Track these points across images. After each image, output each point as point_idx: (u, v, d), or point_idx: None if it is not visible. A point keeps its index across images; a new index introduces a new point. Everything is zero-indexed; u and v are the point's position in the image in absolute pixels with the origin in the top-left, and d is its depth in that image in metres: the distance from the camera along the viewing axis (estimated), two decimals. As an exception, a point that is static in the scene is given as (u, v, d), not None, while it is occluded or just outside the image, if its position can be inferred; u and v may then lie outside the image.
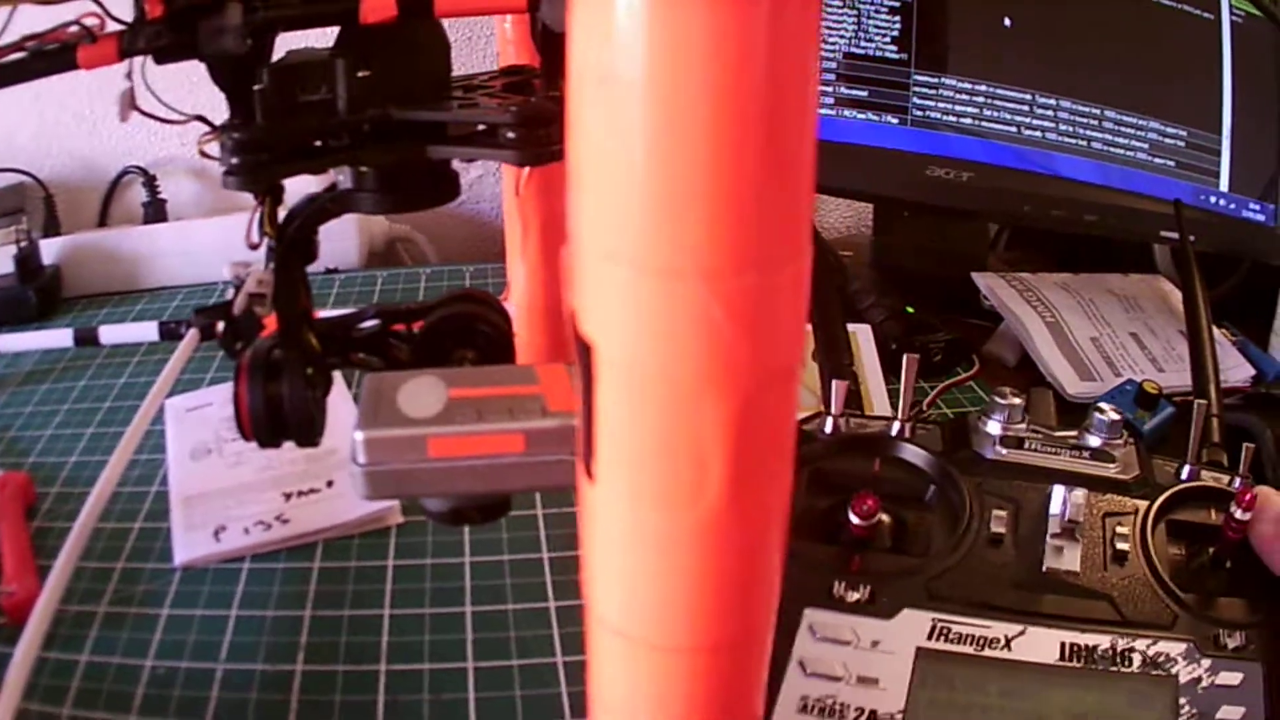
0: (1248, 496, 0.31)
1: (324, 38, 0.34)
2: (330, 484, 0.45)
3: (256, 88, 0.33)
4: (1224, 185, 0.63)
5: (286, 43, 0.34)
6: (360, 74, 0.33)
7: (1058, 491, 0.33)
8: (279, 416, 0.34)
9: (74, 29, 0.34)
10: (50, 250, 0.66)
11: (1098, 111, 0.61)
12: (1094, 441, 0.35)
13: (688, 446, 0.18)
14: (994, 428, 0.35)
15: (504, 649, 0.37)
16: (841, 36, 0.60)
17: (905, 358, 0.36)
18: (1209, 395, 0.46)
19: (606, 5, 0.15)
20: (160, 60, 0.34)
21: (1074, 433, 0.36)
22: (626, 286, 0.17)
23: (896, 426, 0.36)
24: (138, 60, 0.35)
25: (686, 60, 0.15)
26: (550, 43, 0.32)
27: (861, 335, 0.56)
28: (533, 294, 0.48)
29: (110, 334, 0.58)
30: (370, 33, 0.33)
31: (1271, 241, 0.62)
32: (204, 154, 0.36)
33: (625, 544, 0.20)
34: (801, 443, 0.26)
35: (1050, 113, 0.60)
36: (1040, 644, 0.30)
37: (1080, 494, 0.32)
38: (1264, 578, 0.31)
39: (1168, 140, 0.62)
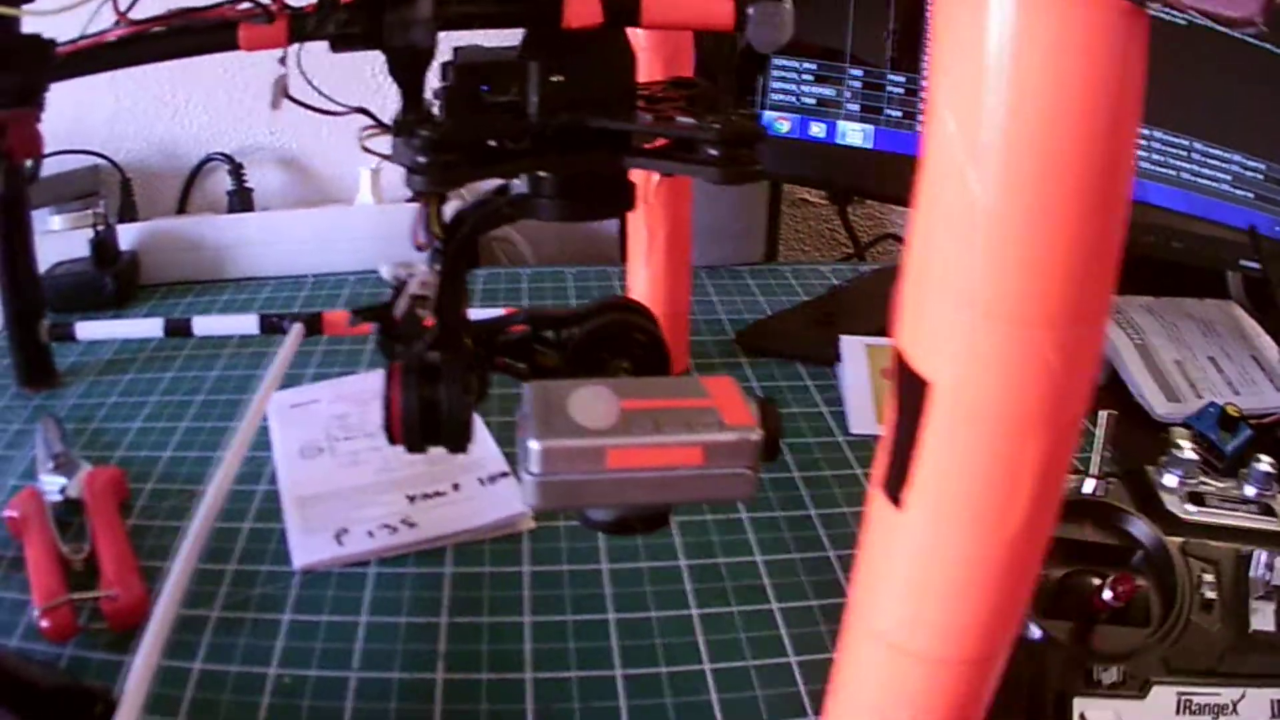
0: None
1: (480, 36, 0.33)
2: (456, 487, 0.44)
3: (441, 84, 0.33)
4: (1296, 218, 0.64)
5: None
6: (554, 78, 0.33)
7: (1259, 556, 0.33)
8: (433, 421, 0.33)
9: (244, 5, 0.33)
10: (128, 236, 0.64)
11: (1186, 143, 0.62)
12: (1250, 491, 0.36)
13: (1005, 477, 0.20)
14: (1172, 481, 0.36)
15: (651, 656, 0.37)
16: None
17: (1104, 415, 0.35)
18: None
19: (975, 79, 0.17)
20: (335, 48, 0.33)
21: (1234, 482, 0.36)
22: (974, 330, 0.18)
23: (1091, 484, 0.35)
24: (292, 48, 0.34)
25: (1047, 136, 0.17)
26: (754, 61, 0.32)
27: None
28: (654, 300, 0.47)
29: (205, 325, 0.56)
30: (563, 37, 0.33)
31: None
32: (367, 149, 0.35)
33: (921, 564, 0.21)
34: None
35: (1145, 142, 0.61)
36: (1257, 704, 0.31)
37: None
38: None
39: (1248, 173, 0.63)
